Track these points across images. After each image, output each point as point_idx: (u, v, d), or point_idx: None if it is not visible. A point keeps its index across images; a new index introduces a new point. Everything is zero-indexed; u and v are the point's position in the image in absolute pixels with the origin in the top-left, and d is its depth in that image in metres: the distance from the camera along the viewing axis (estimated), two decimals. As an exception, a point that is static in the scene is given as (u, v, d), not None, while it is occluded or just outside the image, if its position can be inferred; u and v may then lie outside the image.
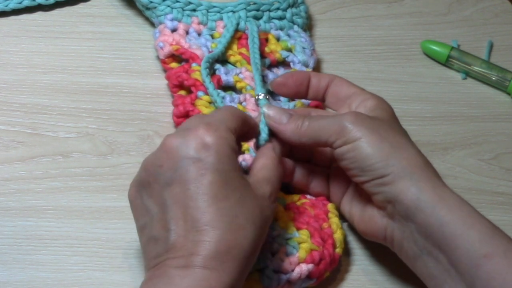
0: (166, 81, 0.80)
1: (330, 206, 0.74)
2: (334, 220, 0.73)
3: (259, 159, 0.68)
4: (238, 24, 0.82)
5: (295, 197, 0.75)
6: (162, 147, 0.63)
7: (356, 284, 0.73)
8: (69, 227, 0.73)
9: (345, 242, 0.73)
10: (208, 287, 0.59)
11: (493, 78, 0.87)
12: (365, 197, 0.70)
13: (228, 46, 0.81)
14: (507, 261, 0.63)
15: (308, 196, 0.75)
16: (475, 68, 0.87)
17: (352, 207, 0.72)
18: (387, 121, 0.70)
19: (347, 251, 0.74)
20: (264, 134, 0.71)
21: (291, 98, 0.77)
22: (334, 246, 0.71)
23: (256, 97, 0.74)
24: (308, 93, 0.74)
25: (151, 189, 0.63)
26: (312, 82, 0.74)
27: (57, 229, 0.72)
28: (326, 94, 0.74)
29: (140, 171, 0.64)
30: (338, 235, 0.72)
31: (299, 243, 0.70)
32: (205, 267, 0.59)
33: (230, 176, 0.62)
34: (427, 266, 0.67)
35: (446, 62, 0.88)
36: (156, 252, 0.61)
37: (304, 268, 0.69)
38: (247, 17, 0.82)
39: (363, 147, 0.67)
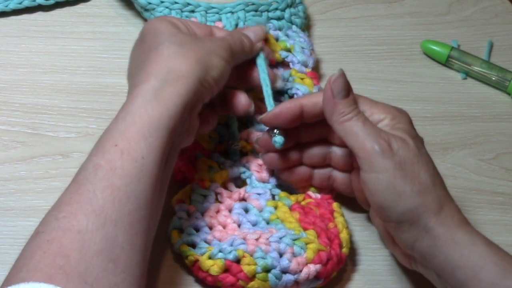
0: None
1: (335, 205, 0.74)
2: (340, 219, 0.73)
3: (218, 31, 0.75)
4: (236, 25, 0.82)
5: (300, 197, 0.75)
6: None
7: (362, 284, 0.73)
8: (69, 227, 0.72)
9: (351, 242, 0.73)
10: (165, 103, 0.64)
11: (493, 78, 0.87)
12: None
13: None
14: None
15: (313, 196, 0.75)
16: (475, 68, 0.87)
17: (379, 227, 0.72)
18: (413, 148, 0.67)
19: (353, 251, 0.74)
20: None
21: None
22: (340, 246, 0.72)
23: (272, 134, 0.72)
24: (303, 119, 0.72)
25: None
26: (305, 108, 0.71)
27: (57, 229, 0.72)
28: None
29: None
30: (344, 235, 0.72)
31: (307, 243, 0.70)
32: (162, 87, 0.64)
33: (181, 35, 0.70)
34: None
35: (446, 62, 0.88)
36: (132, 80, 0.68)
37: (312, 269, 0.69)
38: (246, 18, 0.82)
39: (383, 186, 0.66)
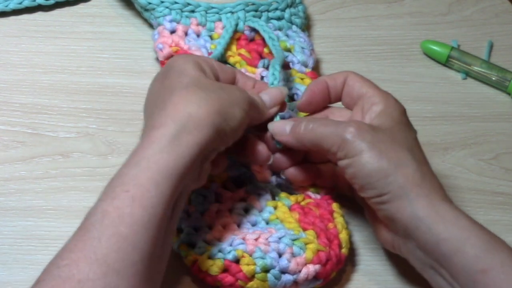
0: (166, 81, 0.80)
1: (334, 205, 0.74)
2: (339, 220, 0.73)
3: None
4: (237, 24, 0.82)
5: (299, 197, 0.75)
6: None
7: (362, 284, 0.73)
8: (69, 227, 0.72)
9: (350, 242, 0.73)
10: (185, 144, 0.62)
11: (493, 78, 0.87)
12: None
13: (227, 47, 0.81)
14: (505, 275, 0.63)
15: (313, 196, 0.75)
16: (475, 68, 0.87)
17: (367, 214, 0.73)
18: (390, 130, 0.69)
19: (352, 251, 0.74)
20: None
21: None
22: (340, 246, 0.72)
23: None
24: (330, 98, 0.74)
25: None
26: (329, 86, 0.74)
27: (57, 229, 0.72)
28: (342, 93, 0.74)
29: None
30: (343, 235, 0.72)
31: (306, 243, 0.70)
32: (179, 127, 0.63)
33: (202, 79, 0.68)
34: (433, 279, 0.67)
35: (446, 62, 0.88)
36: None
37: (311, 269, 0.69)
38: (246, 18, 0.82)
39: (362, 164, 0.67)
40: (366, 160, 0.67)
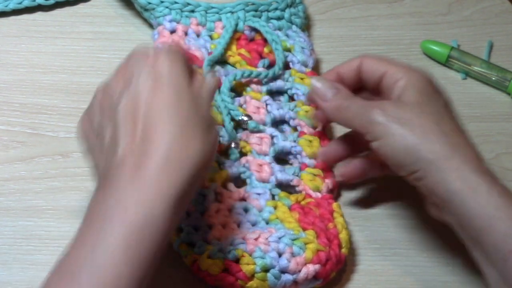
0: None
1: (335, 205, 0.74)
2: (339, 220, 0.73)
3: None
4: (236, 24, 0.82)
5: (300, 196, 0.75)
6: (117, 70, 0.63)
7: (362, 285, 0.73)
8: (69, 227, 0.72)
9: (350, 242, 0.73)
10: (159, 194, 0.57)
11: (493, 78, 0.87)
12: None
13: (227, 47, 0.81)
14: None
15: (313, 195, 0.75)
16: (475, 68, 0.87)
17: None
18: (417, 104, 0.69)
19: (352, 251, 0.74)
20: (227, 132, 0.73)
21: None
22: (340, 246, 0.72)
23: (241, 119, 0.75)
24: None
25: (105, 111, 0.61)
26: (343, 75, 0.74)
27: (57, 229, 0.72)
28: (363, 81, 0.73)
29: (94, 100, 0.63)
30: (343, 235, 0.72)
31: (306, 243, 0.70)
32: (156, 174, 0.57)
33: (183, 89, 0.60)
34: (471, 252, 0.67)
35: (446, 62, 0.88)
36: (105, 163, 0.60)
37: (311, 269, 0.69)
38: (246, 18, 0.82)
39: (389, 145, 0.67)
40: (392, 140, 0.67)
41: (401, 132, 0.67)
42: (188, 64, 0.63)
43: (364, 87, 0.74)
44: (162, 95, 0.60)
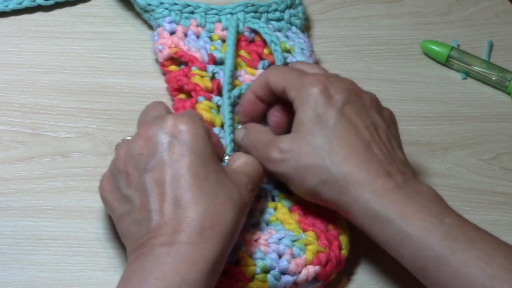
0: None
1: (335, 206, 0.74)
2: (340, 221, 0.73)
3: (240, 157, 0.69)
4: (237, 26, 0.81)
5: (300, 197, 0.74)
6: (139, 135, 0.65)
7: (362, 285, 0.73)
8: (69, 227, 0.73)
9: (350, 244, 0.73)
10: (193, 262, 0.60)
11: (493, 78, 0.87)
12: None
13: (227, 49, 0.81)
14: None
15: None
16: (475, 68, 0.87)
17: None
18: (308, 129, 0.69)
19: (352, 252, 0.74)
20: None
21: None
22: (340, 248, 0.72)
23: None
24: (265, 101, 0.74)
25: (130, 177, 0.64)
26: (257, 93, 0.73)
27: (57, 229, 0.72)
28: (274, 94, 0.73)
29: (116, 163, 0.66)
30: (343, 237, 0.72)
31: (306, 245, 0.70)
32: (190, 243, 0.60)
33: (208, 157, 0.64)
34: None
35: (446, 62, 0.88)
36: (139, 234, 0.63)
37: (311, 270, 0.69)
38: (245, 19, 0.82)
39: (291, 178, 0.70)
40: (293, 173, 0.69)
41: (303, 173, 0.68)
42: (205, 125, 0.67)
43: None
44: (189, 164, 0.63)
